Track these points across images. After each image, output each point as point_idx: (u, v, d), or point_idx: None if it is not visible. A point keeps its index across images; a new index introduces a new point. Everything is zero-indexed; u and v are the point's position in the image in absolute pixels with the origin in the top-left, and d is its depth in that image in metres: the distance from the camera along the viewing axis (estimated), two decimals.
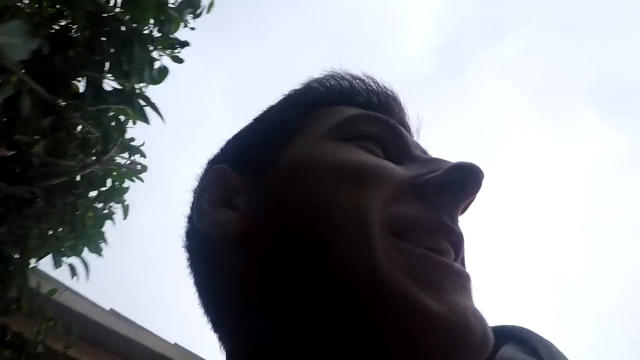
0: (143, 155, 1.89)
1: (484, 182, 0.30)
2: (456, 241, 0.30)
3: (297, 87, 0.41)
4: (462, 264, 0.31)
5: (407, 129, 0.40)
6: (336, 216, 0.29)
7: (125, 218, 1.95)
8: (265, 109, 0.42)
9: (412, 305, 0.25)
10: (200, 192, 0.37)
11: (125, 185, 1.90)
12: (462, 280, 0.28)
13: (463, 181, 0.30)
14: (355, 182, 0.30)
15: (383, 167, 0.31)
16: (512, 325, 0.36)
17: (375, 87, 0.39)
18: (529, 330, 0.35)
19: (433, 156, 0.35)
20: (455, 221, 0.31)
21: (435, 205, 0.30)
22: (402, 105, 0.40)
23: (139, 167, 1.92)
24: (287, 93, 0.41)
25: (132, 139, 1.83)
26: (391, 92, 0.40)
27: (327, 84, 0.39)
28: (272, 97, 0.42)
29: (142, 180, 1.93)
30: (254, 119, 0.42)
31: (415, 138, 0.40)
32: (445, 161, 0.32)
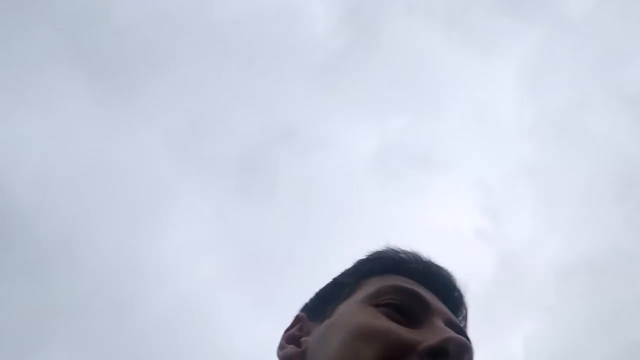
0: None
1: (467, 355, 0.37)
2: None
3: (364, 256, 0.53)
4: None
5: (445, 298, 0.49)
6: None
7: None
8: (343, 271, 0.54)
9: None
10: (285, 331, 0.52)
11: None
12: None
13: (448, 351, 0.37)
14: (360, 337, 0.39)
15: (388, 329, 0.39)
16: None
17: (418, 260, 0.51)
18: None
19: (447, 326, 0.42)
20: None
21: None
22: (441, 276, 0.51)
23: None
24: (357, 260, 0.54)
25: None
26: (433, 265, 0.51)
27: (383, 256, 0.52)
28: None
29: None
30: (333, 278, 0.54)
31: (450, 310, 0.48)
32: (449, 332, 0.39)
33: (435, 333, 0.39)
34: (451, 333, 0.39)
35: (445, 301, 0.49)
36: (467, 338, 0.45)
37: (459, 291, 0.52)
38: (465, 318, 0.53)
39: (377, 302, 0.43)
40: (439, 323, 0.42)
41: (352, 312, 0.44)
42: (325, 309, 0.48)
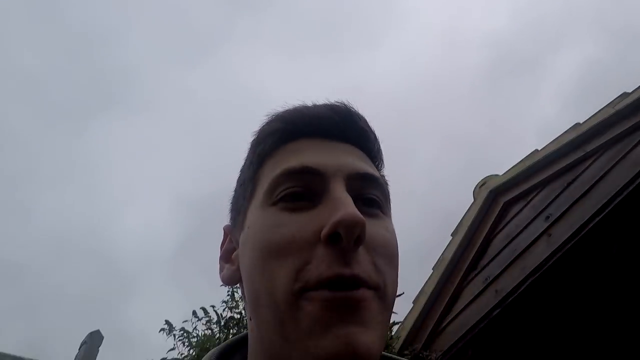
0: None
1: (357, 229, 0.37)
2: (354, 276, 0.37)
3: (254, 136, 0.51)
4: (370, 285, 0.38)
5: (349, 136, 0.48)
6: (259, 293, 0.41)
7: None
8: (242, 164, 0.52)
9: (307, 346, 0.36)
10: (220, 246, 0.52)
11: None
12: (349, 308, 0.36)
13: (340, 235, 0.37)
14: (268, 258, 0.40)
15: (291, 237, 0.39)
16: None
17: (304, 113, 0.48)
18: None
19: (338, 195, 0.40)
20: (349, 264, 0.37)
21: (333, 256, 0.37)
22: (335, 115, 0.48)
23: None
24: (250, 142, 0.51)
25: None
26: (322, 110, 0.48)
27: (271, 129, 0.49)
28: None
29: None
30: (237, 179, 0.53)
31: (359, 144, 0.48)
32: (339, 210, 0.38)
33: (331, 209, 0.39)
34: (339, 213, 0.37)
35: (352, 140, 0.48)
36: (373, 179, 0.44)
37: (360, 123, 0.49)
38: (377, 151, 0.51)
39: (274, 199, 0.43)
40: (335, 192, 0.41)
41: (256, 224, 0.43)
42: (238, 218, 0.48)
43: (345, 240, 0.37)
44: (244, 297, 0.46)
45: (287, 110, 0.49)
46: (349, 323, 0.36)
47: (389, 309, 0.41)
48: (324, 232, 0.38)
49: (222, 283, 0.51)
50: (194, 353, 3.25)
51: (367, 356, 0.36)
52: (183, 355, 3.28)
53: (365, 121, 0.50)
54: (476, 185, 3.43)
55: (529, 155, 3.01)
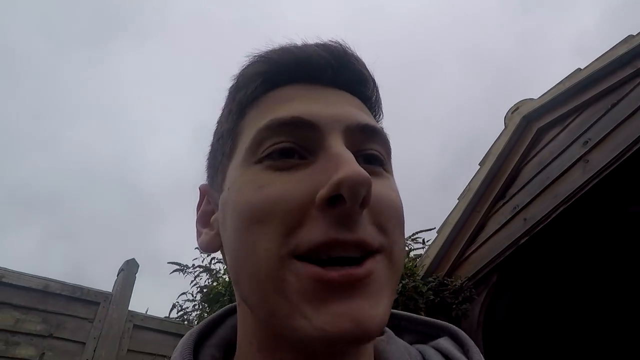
0: None
1: (362, 189, 0.31)
2: (359, 241, 0.33)
3: (233, 81, 0.43)
4: (373, 250, 0.34)
5: (344, 81, 0.42)
6: (240, 261, 0.36)
7: None
8: (220, 114, 0.46)
9: (297, 323, 0.31)
10: (197, 207, 0.47)
11: None
12: (351, 286, 0.32)
13: (341, 197, 0.32)
14: (251, 224, 0.34)
15: (277, 198, 0.34)
16: (448, 324, 0.48)
17: (293, 53, 0.41)
18: (459, 330, 0.47)
19: (337, 150, 0.35)
20: (352, 228, 0.32)
21: (330, 220, 0.32)
22: (330, 57, 0.40)
23: None
24: (228, 89, 0.44)
25: None
26: (312, 50, 0.40)
27: (251, 73, 0.41)
28: None
29: None
30: (214, 132, 0.46)
31: (356, 91, 0.42)
32: (341, 168, 0.32)
33: (329, 168, 0.34)
34: (341, 171, 0.32)
35: (348, 86, 0.42)
36: (376, 132, 0.39)
37: (357, 66, 0.42)
38: (376, 99, 0.45)
39: (259, 156, 0.37)
40: (333, 147, 0.35)
41: (237, 184, 0.38)
42: (216, 177, 0.43)
43: (349, 202, 0.31)
44: (226, 264, 0.41)
45: (272, 50, 0.42)
46: (352, 297, 0.31)
47: (398, 272, 0.36)
48: (322, 193, 0.32)
49: (199, 249, 0.46)
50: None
51: (378, 334, 0.32)
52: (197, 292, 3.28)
53: (364, 64, 0.43)
54: (508, 112, 3.23)
55: (569, 75, 2.77)
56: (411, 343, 0.47)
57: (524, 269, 3.21)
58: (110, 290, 3.34)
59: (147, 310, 3.50)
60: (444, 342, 0.45)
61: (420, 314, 2.96)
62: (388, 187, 0.38)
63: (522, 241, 2.86)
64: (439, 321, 0.49)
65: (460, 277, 3.13)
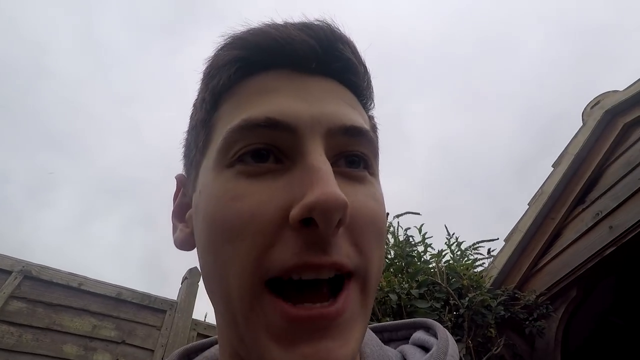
0: None
1: (336, 214, 0.30)
2: (333, 264, 0.31)
3: (206, 65, 0.40)
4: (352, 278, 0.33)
5: (332, 68, 0.38)
6: (211, 278, 0.35)
7: None
8: (193, 103, 0.43)
9: (264, 358, 0.31)
10: (174, 198, 0.45)
11: None
12: (321, 324, 0.30)
13: (315, 220, 0.30)
14: (222, 241, 0.33)
15: (250, 217, 0.31)
16: (424, 319, 0.49)
17: (274, 36, 0.36)
18: (434, 322, 0.47)
19: (314, 162, 0.33)
20: (325, 249, 0.31)
21: (303, 240, 0.31)
22: (316, 39, 0.37)
23: None
24: (202, 73, 0.40)
25: None
26: (294, 32, 0.36)
27: (227, 59, 0.38)
28: None
29: None
30: (190, 116, 0.43)
31: (344, 79, 0.39)
32: (314, 190, 0.30)
33: (305, 181, 0.31)
34: (314, 192, 0.30)
35: (335, 74, 0.38)
36: (361, 133, 0.36)
37: (346, 52, 0.38)
38: (366, 87, 0.41)
39: (229, 159, 0.35)
40: (310, 157, 0.33)
41: (208, 190, 0.36)
42: (191, 171, 0.42)
43: (321, 226, 0.30)
44: (201, 269, 0.40)
45: (249, 30, 0.38)
46: (322, 338, 0.30)
47: (372, 293, 0.35)
48: (294, 214, 0.30)
49: (176, 246, 0.43)
50: None
51: None
52: None
53: (354, 49, 0.39)
54: (586, 106, 2.89)
55: None
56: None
57: (610, 283, 2.87)
58: (175, 299, 3.48)
59: (205, 316, 3.62)
60: (418, 334, 0.47)
61: (490, 331, 2.75)
62: (369, 195, 0.36)
63: (608, 252, 2.54)
64: (416, 319, 0.50)
65: (535, 290, 2.87)
